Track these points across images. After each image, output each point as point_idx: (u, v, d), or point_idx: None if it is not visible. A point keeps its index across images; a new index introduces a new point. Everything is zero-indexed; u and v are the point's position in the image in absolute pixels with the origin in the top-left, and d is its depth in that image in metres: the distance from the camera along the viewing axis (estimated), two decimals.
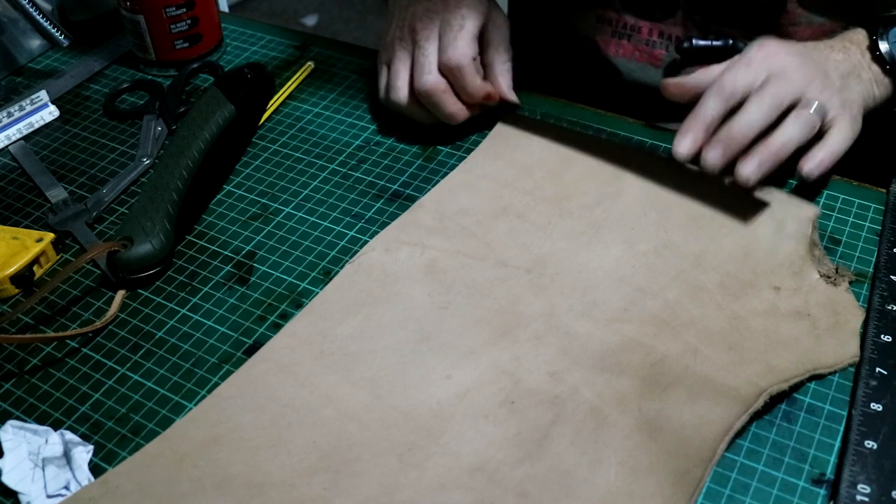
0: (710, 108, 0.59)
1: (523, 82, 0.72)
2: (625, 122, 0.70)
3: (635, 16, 0.79)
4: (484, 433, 0.48)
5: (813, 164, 0.59)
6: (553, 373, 0.51)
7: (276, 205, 0.65)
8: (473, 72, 0.67)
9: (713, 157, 0.59)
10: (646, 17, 0.78)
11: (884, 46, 0.64)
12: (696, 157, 0.60)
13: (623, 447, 0.47)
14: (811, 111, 0.59)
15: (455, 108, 0.68)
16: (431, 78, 0.66)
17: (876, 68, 0.64)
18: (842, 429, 0.48)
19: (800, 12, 0.74)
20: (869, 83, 0.64)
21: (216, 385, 0.52)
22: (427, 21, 0.67)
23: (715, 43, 0.75)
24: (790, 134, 0.58)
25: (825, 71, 0.62)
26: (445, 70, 0.66)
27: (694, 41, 0.75)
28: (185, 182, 0.62)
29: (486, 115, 0.71)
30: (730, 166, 0.59)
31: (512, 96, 0.70)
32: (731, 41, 0.75)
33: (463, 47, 0.66)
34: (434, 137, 0.70)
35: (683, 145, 0.59)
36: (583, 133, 0.69)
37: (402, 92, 0.68)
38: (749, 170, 0.58)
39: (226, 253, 0.61)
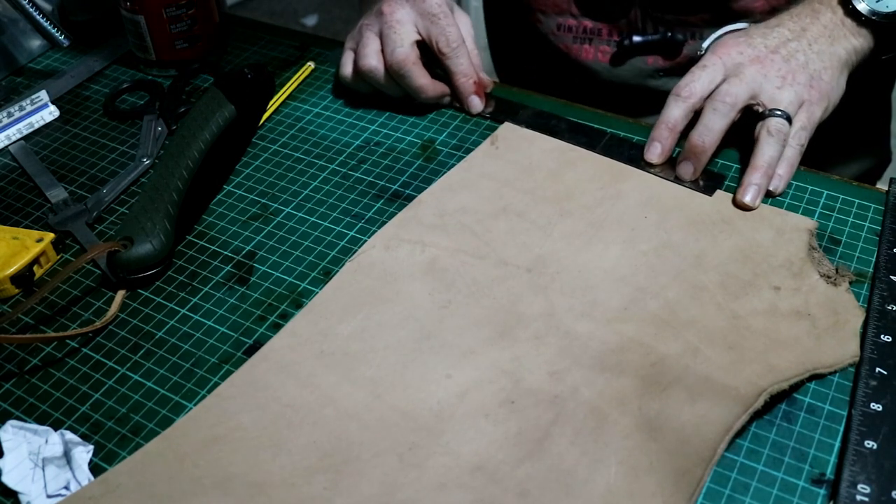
0: (672, 114, 0.64)
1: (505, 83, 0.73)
2: (624, 122, 0.70)
3: (593, 20, 0.79)
4: (484, 433, 0.48)
5: (777, 181, 0.62)
6: (553, 372, 0.51)
7: (276, 205, 0.65)
8: (471, 48, 0.71)
9: (685, 171, 0.64)
10: (604, 19, 0.79)
11: (862, 7, 0.64)
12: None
13: (623, 447, 0.47)
14: (778, 123, 0.61)
15: (424, 81, 0.70)
16: (403, 50, 0.68)
17: (850, 22, 0.64)
18: (842, 429, 0.48)
19: None
20: (845, 38, 0.64)
21: (216, 385, 0.52)
22: (396, 4, 0.69)
23: (653, 37, 0.78)
24: (769, 154, 0.62)
25: (784, 54, 0.63)
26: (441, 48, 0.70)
27: (634, 37, 0.78)
28: (186, 182, 0.62)
29: (486, 116, 0.71)
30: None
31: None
32: (668, 34, 0.77)
33: (455, 31, 0.69)
34: (434, 136, 0.70)
35: (653, 153, 0.65)
36: (585, 137, 0.69)
37: (370, 59, 0.69)
38: (751, 198, 0.61)
39: (226, 253, 0.61)
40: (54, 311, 0.58)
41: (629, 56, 0.79)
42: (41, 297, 0.56)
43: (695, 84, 0.63)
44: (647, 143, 0.65)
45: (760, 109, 0.62)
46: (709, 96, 0.62)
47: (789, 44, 0.63)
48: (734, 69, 0.62)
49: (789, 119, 0.61)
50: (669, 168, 0.64)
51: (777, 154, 0.61)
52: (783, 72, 0.62)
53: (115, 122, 0.75)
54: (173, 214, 0.60)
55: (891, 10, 0.63)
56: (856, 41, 0.64)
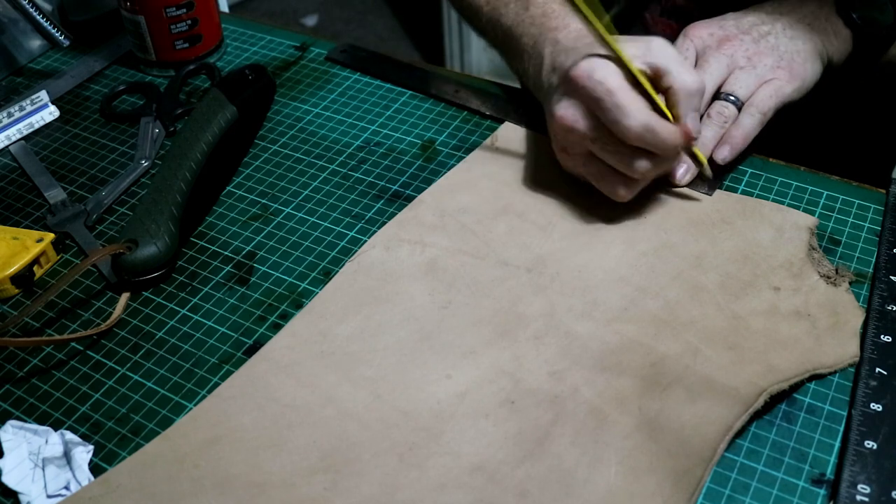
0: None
1: None
2: None
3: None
4: (484, 433, 0.48)
5: (724, 150, 0.61)
6: (553, 372, 0.51)
7: (276, 205, 0.65)
8: None
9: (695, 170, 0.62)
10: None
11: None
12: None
13: (623, 447, 0.47)
14: (720, 107, 0.61)
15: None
16: None
17: (836, 20, 0.63)
18: (842, 429, 0.48)
19: None
20: (824, 33, 0.63)
21: (216, 385, 0.52)
22: None
23: None
24: (704, 136, 0.61)
25: (755, 35, 0.62)
26: None
27: None
28: (189, 184, 0.62)
29: (486, 116, 0.71)
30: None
31: None
32: None
33: None
34: (434, 136, 0.70)
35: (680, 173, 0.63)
36: None
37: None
38: (679, 174, 0.62)
39: (226, 253, 0.61)
40: (56, 313, 0.58)
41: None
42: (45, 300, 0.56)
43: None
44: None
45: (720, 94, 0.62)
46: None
47: (761, 26, 0.62)
48: (703, 55, 0.62)
49: (738, 104, 0.61)
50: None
51: (713, 135, 0.61)
52: (750, 52, 0.61)
53: (115, 122, 0.75)
54: (177, 216, 0.60)
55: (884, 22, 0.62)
56: (835, 39, 0.63)
